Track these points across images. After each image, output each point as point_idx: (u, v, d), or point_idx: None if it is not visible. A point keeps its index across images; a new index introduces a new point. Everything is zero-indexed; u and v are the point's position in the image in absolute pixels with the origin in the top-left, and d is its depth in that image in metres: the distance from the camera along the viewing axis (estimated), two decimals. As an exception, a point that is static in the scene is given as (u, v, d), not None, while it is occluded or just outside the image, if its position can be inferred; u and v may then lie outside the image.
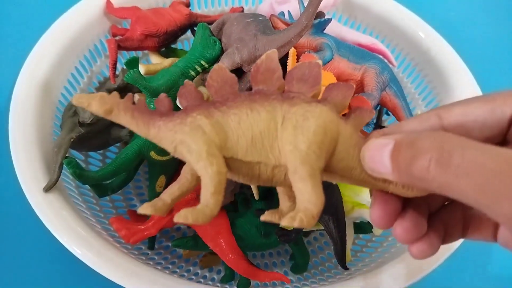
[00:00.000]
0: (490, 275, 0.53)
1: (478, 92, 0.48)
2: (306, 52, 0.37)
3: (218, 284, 0.43)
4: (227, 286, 0.43)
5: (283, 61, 0.46)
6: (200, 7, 0.57)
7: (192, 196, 0.40)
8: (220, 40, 0.40)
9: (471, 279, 0.53)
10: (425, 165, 0.15)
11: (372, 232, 0.46)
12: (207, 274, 0.46)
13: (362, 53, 0.41)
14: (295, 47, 0.41)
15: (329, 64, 0.40)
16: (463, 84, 0.49)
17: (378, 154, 0.16)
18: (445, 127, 0.19)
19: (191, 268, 0.46)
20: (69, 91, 0.46)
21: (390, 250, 0.43)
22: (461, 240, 0.32)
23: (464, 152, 0.14)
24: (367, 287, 0.36)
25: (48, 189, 0.36)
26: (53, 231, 0.34)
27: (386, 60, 0.51)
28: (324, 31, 0.43)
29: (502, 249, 0.21)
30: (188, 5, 0.52)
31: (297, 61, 0.41)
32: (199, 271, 0.46)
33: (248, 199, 0.43)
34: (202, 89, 0.40)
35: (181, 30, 0.48)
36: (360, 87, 0.41)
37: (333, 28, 0.47)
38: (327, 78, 0.37)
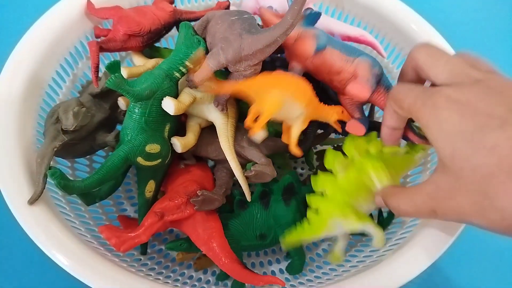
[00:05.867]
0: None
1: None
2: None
3: (213, 287, 0.43)
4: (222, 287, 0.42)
5: (272, 56, 0.45)
6: (183, 3, 0.55)
7: (183, 201, 0.39)
8: (204, 39, 0.39)
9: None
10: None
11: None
12: (202, 277, 0.46)
13: (353, 48, 0.40)
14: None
15: (321, 55, 0.39)
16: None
17: None
18: None
19: (185, 271, 0.45)
20: (51, 96, 0.45)
21: (386, 245, 0.42)
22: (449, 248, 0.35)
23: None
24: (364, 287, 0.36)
25: (33, 201, 0.35)
26: (40, 245, 0.33)
27: (374, 54, 0.50)
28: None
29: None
30: (171, 1, 0.50)
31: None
32: (193, 274, 0.45)
33: (244, 201, 0.42)
34: (188, 90, 0.39)
35: (166, 28, 0.47)
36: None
37: (320, 20, 0.46)
38: (300, 87, 0.36)
